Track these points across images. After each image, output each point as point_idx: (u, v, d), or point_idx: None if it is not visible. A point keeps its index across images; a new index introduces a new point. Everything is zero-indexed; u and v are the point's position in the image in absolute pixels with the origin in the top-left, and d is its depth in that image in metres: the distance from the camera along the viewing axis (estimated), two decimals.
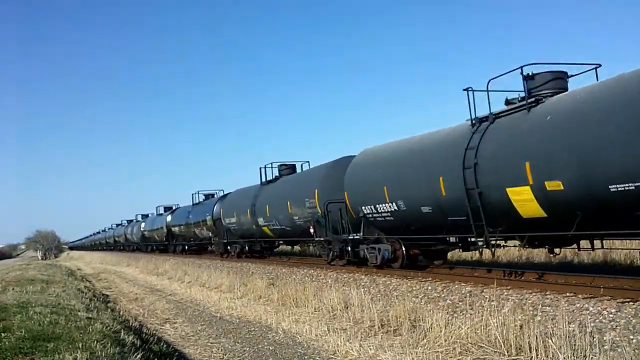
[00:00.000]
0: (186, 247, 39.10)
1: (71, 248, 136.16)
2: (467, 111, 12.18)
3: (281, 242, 25.32)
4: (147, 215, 54.10)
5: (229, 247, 29.15)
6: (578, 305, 8.91)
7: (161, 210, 46.06)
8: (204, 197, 35.94)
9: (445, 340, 8.29)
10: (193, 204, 36.42)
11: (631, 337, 7.32)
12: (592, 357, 6.83)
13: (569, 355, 6.81)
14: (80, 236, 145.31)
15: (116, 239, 68.04)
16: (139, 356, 7.95)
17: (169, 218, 42.14)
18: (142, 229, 51.25)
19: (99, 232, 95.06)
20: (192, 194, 36.73)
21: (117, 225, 73.18)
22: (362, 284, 14.40)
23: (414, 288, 12.64)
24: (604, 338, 7.42)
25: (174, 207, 44.04)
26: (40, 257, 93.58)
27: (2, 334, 8.22)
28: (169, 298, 18.54)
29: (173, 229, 40.54)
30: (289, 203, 20.24)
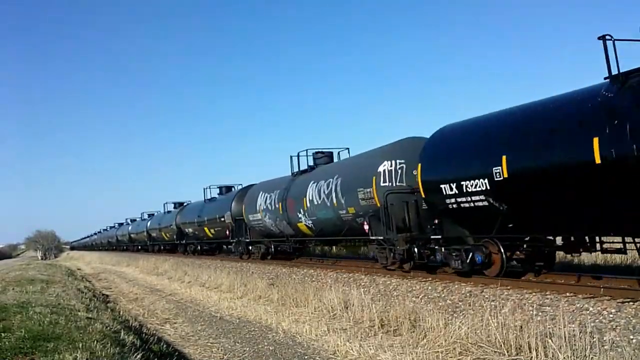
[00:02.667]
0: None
1: (72, 248, 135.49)
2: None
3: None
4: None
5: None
6: (578, 305, 8.91)
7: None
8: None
9: (445, 340, 8.29)
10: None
11: (631, 337, 7.32)
12: (592, 357, 6.83)
13: (569, 355, 6.81)
14: (80, 236, 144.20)
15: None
16: (139, 356, 7.95)
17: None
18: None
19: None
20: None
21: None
22: (362, 284, 14.39)
23: (414, 288, 12.63)
24: (604, 338, 7.42)
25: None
26: (40, 257, 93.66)
27: (2, 334, 8.22)
28: (169, 298, 18.53)
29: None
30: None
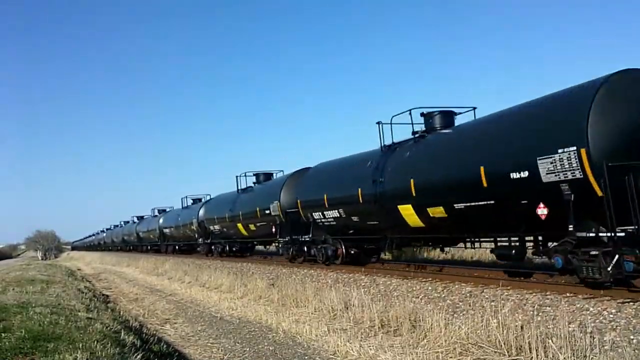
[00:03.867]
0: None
1: (74, 248, 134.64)
2: None
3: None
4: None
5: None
6: (578, 305, 8.90)
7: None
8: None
9: (445, 341, 8.29)
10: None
11: (631, 337, 7.32)
12: (592, 358, 6.83)
13: (569, 355, 6.81)
14: (80, 236, 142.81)
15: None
16: (139, 356, 7.95)
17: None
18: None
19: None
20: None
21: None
22: (362, 284, 14.38)
23: (414, 288, 12.63)
24: (604, 338, 7.41)
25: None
26: (40, 257, 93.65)
27: (3, 334, 8.22)
28: (169, 298, 18.53)
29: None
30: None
